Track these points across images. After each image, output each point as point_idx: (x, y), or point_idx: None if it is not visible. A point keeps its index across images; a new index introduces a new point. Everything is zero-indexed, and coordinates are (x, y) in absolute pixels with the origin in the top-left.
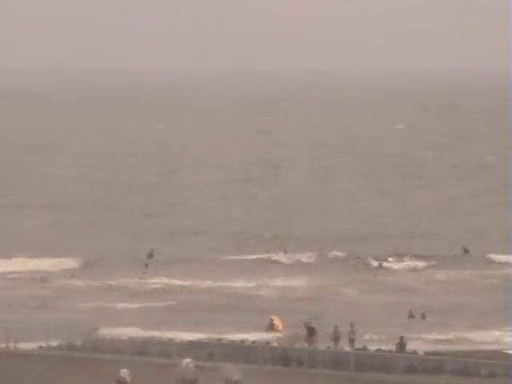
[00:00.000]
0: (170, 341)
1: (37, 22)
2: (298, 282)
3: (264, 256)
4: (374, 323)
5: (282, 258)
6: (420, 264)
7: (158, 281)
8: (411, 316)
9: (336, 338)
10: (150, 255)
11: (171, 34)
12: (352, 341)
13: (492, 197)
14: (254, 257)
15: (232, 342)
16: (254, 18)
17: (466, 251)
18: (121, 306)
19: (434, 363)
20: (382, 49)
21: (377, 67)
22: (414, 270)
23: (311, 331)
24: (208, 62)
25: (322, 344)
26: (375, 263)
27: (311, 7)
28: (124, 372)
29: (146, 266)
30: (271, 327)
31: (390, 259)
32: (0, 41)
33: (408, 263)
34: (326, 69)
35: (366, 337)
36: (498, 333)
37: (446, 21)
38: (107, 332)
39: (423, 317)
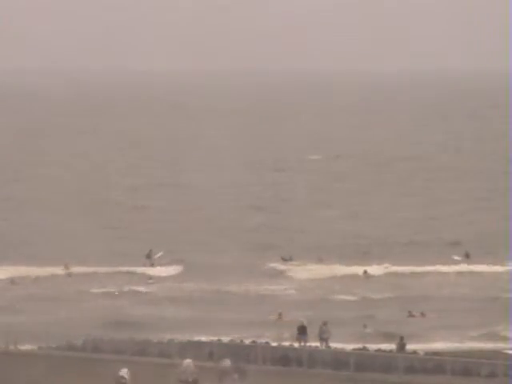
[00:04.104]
0: (170, 341)
1: (37, 22)
2: (297, 285)
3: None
4: (373, 323)
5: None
6: (419, 267)
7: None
8: (411, 315)
9: (322, 338)
10: (149, 256)
11: (171, 34)
12: (325, 340)
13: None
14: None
15: (232, 341)
16: (254, 18)
17: (467, 256)
18: None
19: (434, 363)
20: (381, 49)
21: (377, 67)
22: (414, 272)
23: (302, 330)
24: (208, 62)
25: (313, 343)
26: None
27: (311, 7)
28: (124, 371)
29: (153, 265)
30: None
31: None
32: (0, 41)
33: (408, 266)
34: (325, 69)
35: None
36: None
37: (446, 21)
38: None
39: (423, 315)
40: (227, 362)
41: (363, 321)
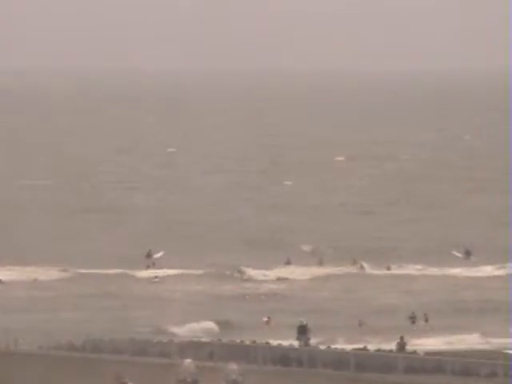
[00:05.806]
0: (170, 341)
1: (37, 22)
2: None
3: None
4: (375, 324)
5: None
6: (421, 267)
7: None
8: (412, 318)
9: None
10: (149, 255)
11: (171, 34)
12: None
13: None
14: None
15: (232, 341)
16: (254, 18)
17: (468, 253)
18: None
19: (434, 363)
20: (381, 49)
21: (376, 68)
22: (415, 273)
23: (302, 329)
24: (208, 62)
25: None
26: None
27: (311, 7)
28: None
29: (154, 264)
30: None
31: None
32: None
33: (410, 267)
34: (325, 69)
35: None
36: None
37: (446, 21)
38: None
39: (426, 320)
40: (233, 366)
41: (363, 322)
